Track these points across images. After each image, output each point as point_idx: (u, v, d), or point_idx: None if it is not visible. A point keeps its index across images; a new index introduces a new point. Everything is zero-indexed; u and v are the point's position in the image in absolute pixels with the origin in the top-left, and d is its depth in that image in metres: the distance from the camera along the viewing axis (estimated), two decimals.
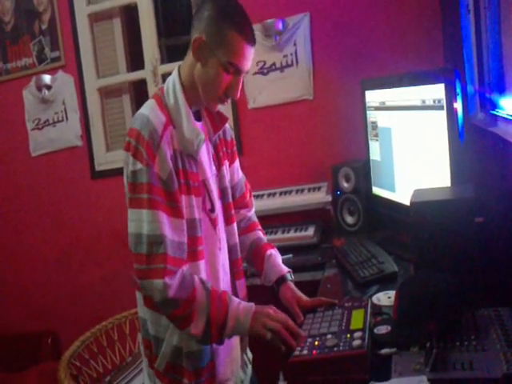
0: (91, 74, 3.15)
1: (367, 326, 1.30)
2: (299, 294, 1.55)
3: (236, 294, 1.51)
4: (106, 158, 3.19)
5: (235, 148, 1.61)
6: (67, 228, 3.30)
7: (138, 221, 1.30)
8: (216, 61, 1.33)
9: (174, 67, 3.31)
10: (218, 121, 1.49)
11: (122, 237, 3.12)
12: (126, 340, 2.41)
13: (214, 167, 1.48)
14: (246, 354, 1.62)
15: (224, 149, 1.54)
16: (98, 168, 3.20)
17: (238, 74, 1.37)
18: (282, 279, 1.57)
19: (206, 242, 1.41)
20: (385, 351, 1.23)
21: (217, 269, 1.45)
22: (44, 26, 3.19)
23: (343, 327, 1.32)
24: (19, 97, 3.27)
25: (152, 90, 3.04)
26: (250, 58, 1.37)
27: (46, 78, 3.18)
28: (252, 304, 1.38)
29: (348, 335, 1.27)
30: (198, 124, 1.41)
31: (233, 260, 1.53)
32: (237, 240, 1.54)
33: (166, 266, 1.28)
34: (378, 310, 1.49)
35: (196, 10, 1.40)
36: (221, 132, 1.52)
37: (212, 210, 1.44)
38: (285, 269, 1.60)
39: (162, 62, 3.08)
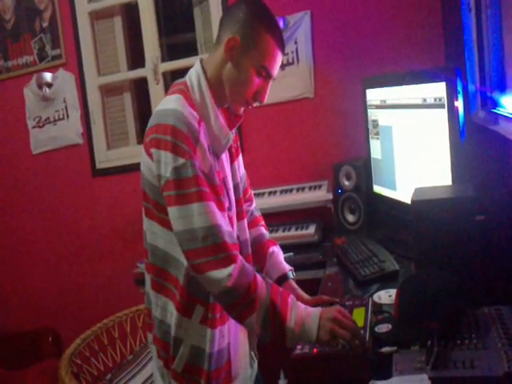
0: (92, 71, 3.14)
1: (368, 324, 1.31)
2: (300, 292, 1.55)
3: None
4: (107, 156, 3.19)
5: (239, 142, 1.60)
6: (68, 226, 3.30)
7: (187, 217, 1.24)
8: (249, 63, 1.33)
9: (174, 65, 3.30)
10: (232, 118, 1.46)
11: (122, 234, 3.17)
12: (126, 338, 2.41)
13: (229, 164, 1.47)
14: (254, 350, 1.60)
15: (233, 144, 1.53)
16: (98, 166, 3.20)
17: (267, 79, 1.37)
18: (283, 277, 1.57)
19: None
20: (386, 349, 1.23)
21: None
22: (45, 24, 3.18)
23: None
24: (20, 95, 3.26)
25: (153, 88, 3.04)
26: (279, 64, 1.37)
27: (47, 76, 3.17)
28: (317, 308, 1.30)
29: None
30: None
31: (243, 256, 1.50)
32: (247, 236, 1.52)
33: (227, 253, 1.25)
34: (378, 309, 1.49)
35: (227, 10, 1.40)
36: None
37: (230, 207, 1.42)
38: (287, 267, 1.60)
39: (163, 60, 3.07)
